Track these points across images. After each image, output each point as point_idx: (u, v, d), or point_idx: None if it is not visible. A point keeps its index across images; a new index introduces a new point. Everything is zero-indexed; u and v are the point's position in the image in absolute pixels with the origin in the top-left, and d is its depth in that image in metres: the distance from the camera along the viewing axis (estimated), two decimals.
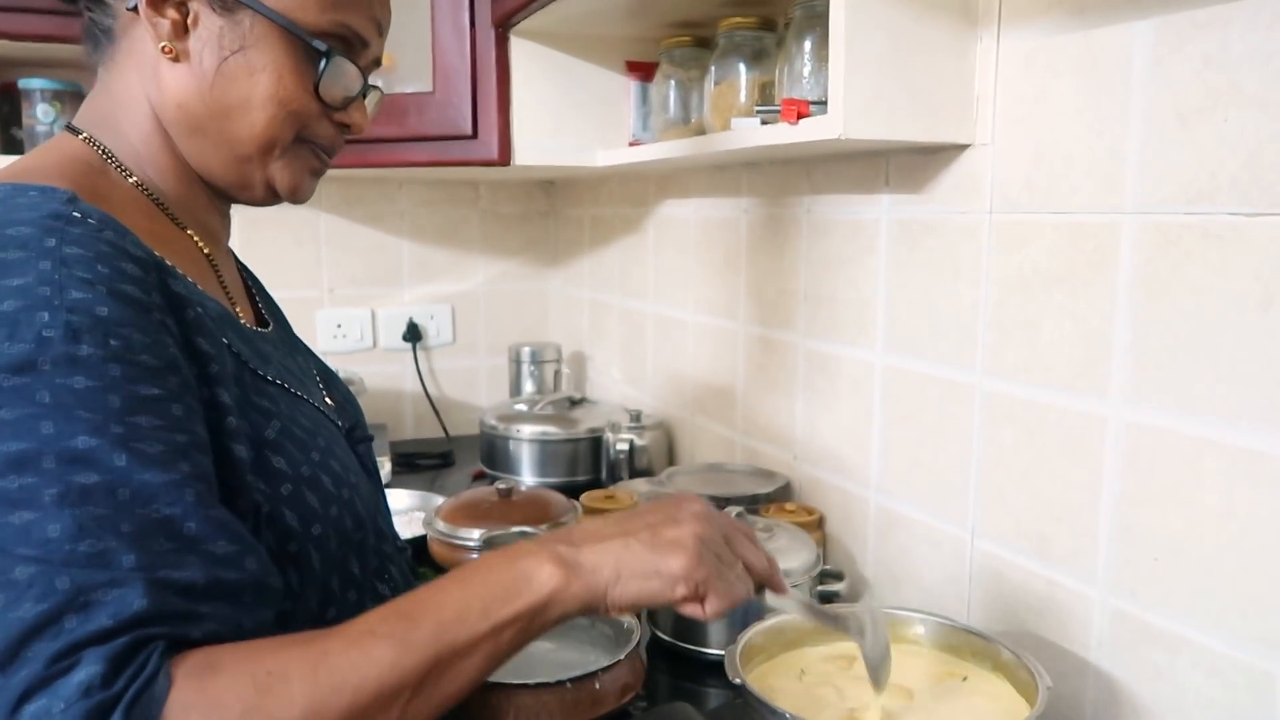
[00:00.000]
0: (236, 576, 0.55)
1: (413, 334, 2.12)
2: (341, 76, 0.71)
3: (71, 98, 1.68)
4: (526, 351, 2.05)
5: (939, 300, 1.06)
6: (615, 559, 0.63)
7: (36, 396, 0.52)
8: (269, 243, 2.02)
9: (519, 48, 1.52)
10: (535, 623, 0.60)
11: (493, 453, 1.75)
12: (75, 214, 0.58)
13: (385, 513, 0.82)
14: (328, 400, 0.80)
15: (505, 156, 1.53)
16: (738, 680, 0.77)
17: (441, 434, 2.14)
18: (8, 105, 1.72)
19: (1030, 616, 0.96)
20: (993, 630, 0.92)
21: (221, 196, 0.74)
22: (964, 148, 1.00)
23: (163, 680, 0.49)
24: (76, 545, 0.50)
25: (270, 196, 0.73)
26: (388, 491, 1.58)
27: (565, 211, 2.18)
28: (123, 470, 0.52)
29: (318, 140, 0.73)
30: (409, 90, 1.56)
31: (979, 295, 1.00)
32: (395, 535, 0.83)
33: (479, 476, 1.77)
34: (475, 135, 1.51)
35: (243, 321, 0.71)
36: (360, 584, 0.69)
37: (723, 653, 0.82)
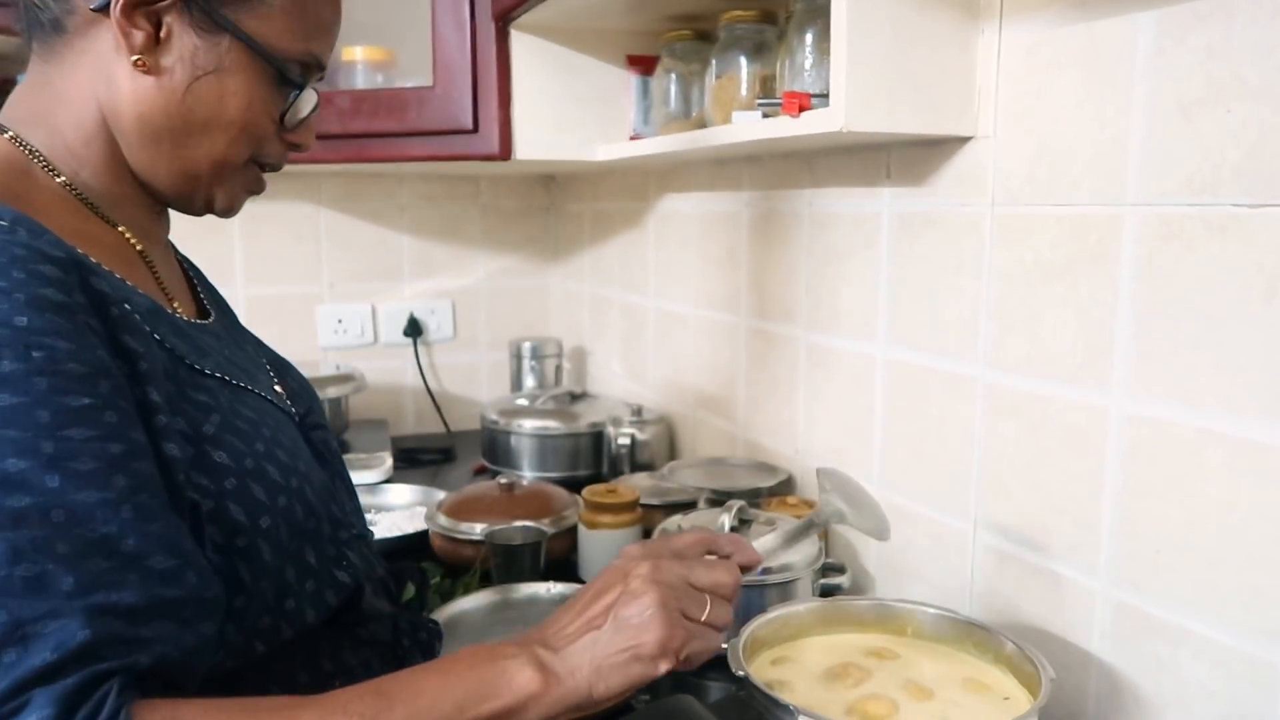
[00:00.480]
0: (177, 593, 0.55)
1: (413, 329, 2.12)
2: (305, 104, 0.73)
3: None
4: (527, 346, 2.05)
5: (941, 293, 1.06)
6: (590, 656, 0.62)
7: None
8: (269, 238, 2.01)
9: (519, 42, 1.52)
10: None
11: (494, 447, 1.76)
12: None
13: (346, 499, 0.82)
14: (277, 389, 0.79)
15: (506, 151, 1.53)
16: (741, 673, 0.77)
17: (443, 429, 2.14)
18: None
19: (1033, 609, 0.96)
20: (995, 623, 0.92)
21: (156, 199, 0.74)
22: (966, 140, 1.00)
23: None
24: (12, 570, 0.49)
25: (205, 211, 0.74)
26: (388, 487, 1.59)
27: (566, 206, 2.18)
28: (55, 491, 0.51)
29: (267, 160, 0.74)
30: (409, 85, 1.56)
31: (981, 288, 1.00)
32: (355, 522, 0.82)
33: (480, 471, 1.77)
34: (476, 130, 1.51)
35: (180, 315, 0.71)
36: (318, 573, 0.68)
37: (725, 646, 0.82)
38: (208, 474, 0.62)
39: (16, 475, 0.51)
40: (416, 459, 1.87)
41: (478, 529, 1.26)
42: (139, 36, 0.65)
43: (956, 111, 0.98)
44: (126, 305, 0.61)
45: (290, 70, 0.70)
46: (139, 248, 0.71)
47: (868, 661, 0.86)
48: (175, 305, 0.72)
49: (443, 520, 1.30)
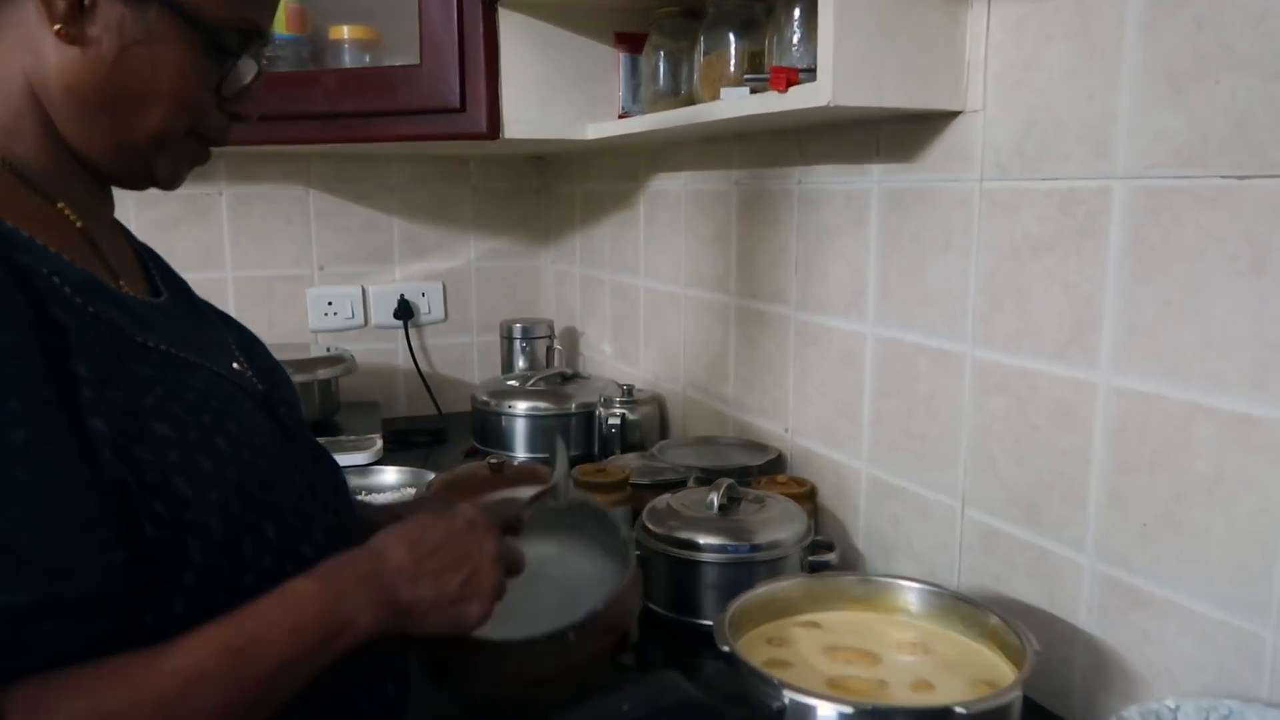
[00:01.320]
0: (71, 593, 0.53)
1: (404, 311, 2.11)
2: (244, 73, 0.70)
3: None
4: (518, 328, 2.04)
5: (930, 270, 1.05)
6: (429, 605, 0.69)
7: None
8: (258, 221, 2.00)
9: (507, 19, 1.50)
10: (346, 653, 0.65)
11: (485, 429, 1.75)
12: None
13: (321, 475, 0.80)
14: (235, 365, 0.77)
15: (494, 130, 1.52)
16: (726, 648, 0.77)
17: (434, 411, 2.14)
18: None
19: (1020, 584, 0.96)
20: (982, 597, 0.92)
21: (95, 176, 0.71)
22: (955, 115, 0.99)
23: None
24: None
25: (147, 184, 0.72)
26: (379, 469, 1.58)
27: (556, 187, 2.17)
28: None
29: (208, 133, 0.72)
30: (396, 63, 1.55)
31: (970, 264, 0.99)
32: (327, 498, 0.80)
33: (471, 453, 1.77)
34: (464, 109, 1.50)
35: (125, 291, 0.69)
36: (278, 548, 0.68)
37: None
38: (150, 446, 0.60)
39: None
40: (408, 441, 1.87)
41: None
42: (60, 5, 0.63)
43: (945, 86, 0.97)
44: (55, 278, 0.60)
45: (225, 38, 0.68)
46: (79, 225, 0.69)
47: (858, 639, 0.86)
48: (121, 283, 0.70)
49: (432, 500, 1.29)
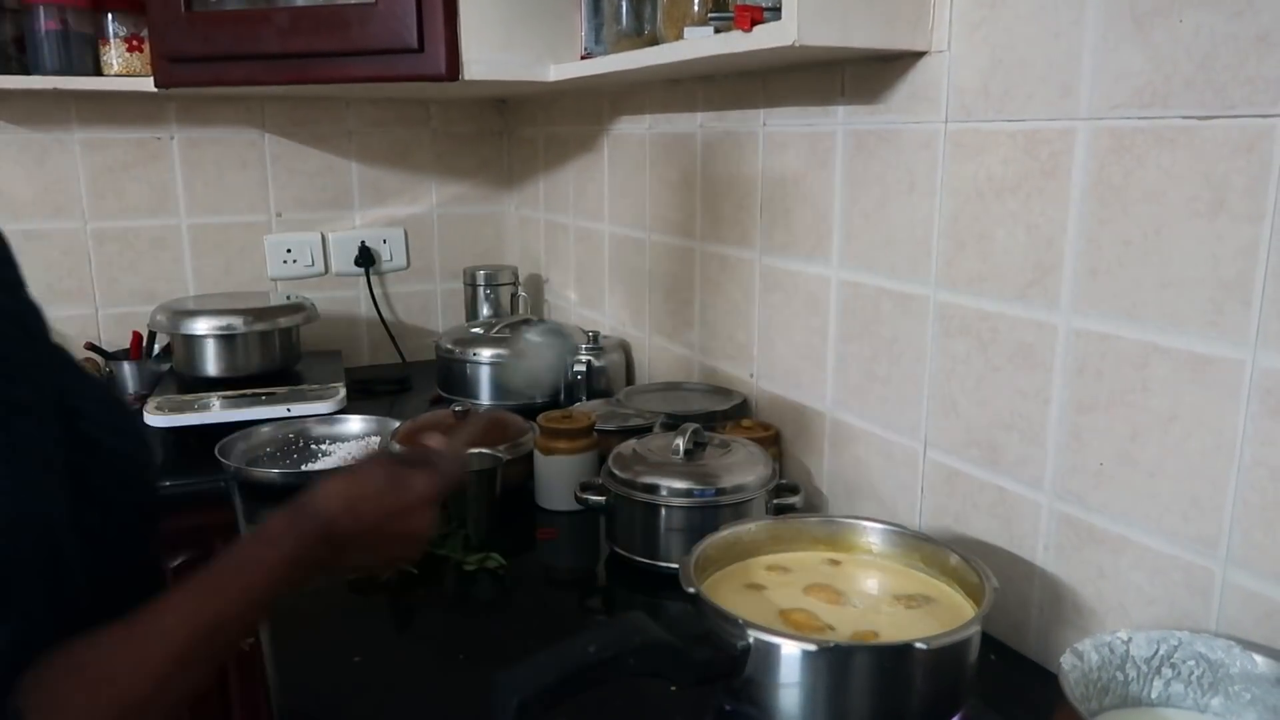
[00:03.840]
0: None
1: (365, 258, 2.08)
2: None
3: None
4: (482, 275, 2.02)
5: (894, 212, 1.05)
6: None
7: None
8: (211, 165, 1.95)
9: None
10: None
11: (450, 377, 1.74)
12: None
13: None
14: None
15: (453, 71, 1.48)
16: (691, 589, 0.78)
17: (398, 360, 2.12)
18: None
19: (981, 523, 0.97)
20: (943, 537, 0.93)
21: None
22: (920, 55, 0.98)
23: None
24: None
25: None
26: (343, 418, 1.57)
27: (519, 131, 2.13)
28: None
29: None
30: (351, 1, 1.50)
31: (934, 206, 0.99)
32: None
33: (436, 401, 1.76)
34: (421, 49, 1.46)
35: None
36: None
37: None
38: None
39: None
40: (371, 390, 1.85)
41: None
42: None
43: (911, 26, 0.96)
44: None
45: None
46: None
47: (811, 573, 0.88)
48: None
49: (397, 448, 1.29)
